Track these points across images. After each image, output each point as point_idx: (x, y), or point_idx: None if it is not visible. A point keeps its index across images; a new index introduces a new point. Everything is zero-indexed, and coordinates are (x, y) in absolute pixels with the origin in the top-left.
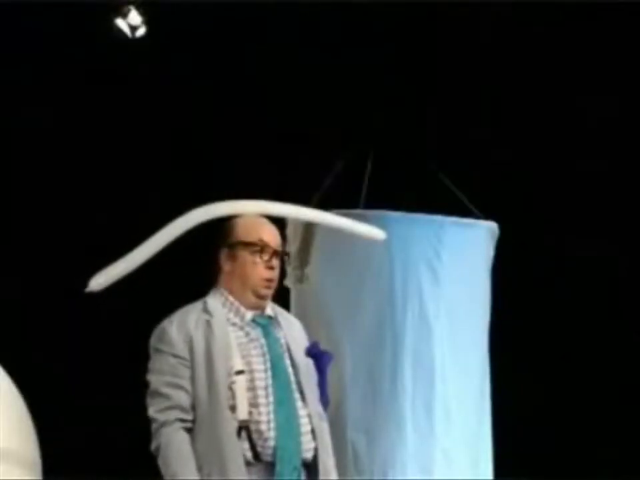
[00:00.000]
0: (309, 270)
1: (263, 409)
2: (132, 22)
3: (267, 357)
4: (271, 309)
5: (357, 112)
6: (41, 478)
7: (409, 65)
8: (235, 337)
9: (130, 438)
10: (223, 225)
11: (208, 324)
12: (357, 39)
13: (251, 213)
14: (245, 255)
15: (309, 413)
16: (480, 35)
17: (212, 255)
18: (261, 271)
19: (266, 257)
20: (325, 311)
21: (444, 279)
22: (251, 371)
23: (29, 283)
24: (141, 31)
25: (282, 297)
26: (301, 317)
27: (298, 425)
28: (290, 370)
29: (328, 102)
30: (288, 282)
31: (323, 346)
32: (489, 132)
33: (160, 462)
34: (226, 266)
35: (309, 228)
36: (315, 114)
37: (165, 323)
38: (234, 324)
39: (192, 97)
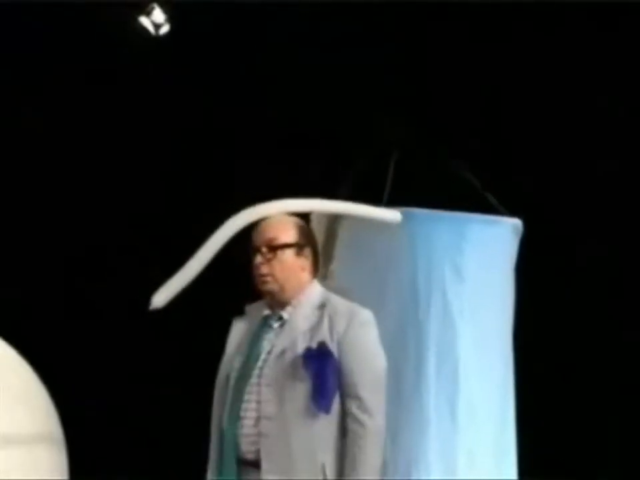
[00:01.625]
0: (333, 266)
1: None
2: (156, 20)
3: (245, 357)
4: (293, 307)
5: (375, 112)
6: (64, 452)
7: (420, 61)
8: (244, 334)
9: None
10: None
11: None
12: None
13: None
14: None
15: (258, 416)
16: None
17: None
18: (256, 269)
19: (257, 255)
20: None
21: (467, 275)
22: (232, 370)
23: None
24: (164, 29)
25: None
26: None
27: (234, 427)
28: (256, 372)
29: (347, 103)
30: None
31: None
32: (511, 129)
33: None
34: None
35: (332, 224)
36: (332, 115)
37: None
38: (254, 323)
39: (199, 98)
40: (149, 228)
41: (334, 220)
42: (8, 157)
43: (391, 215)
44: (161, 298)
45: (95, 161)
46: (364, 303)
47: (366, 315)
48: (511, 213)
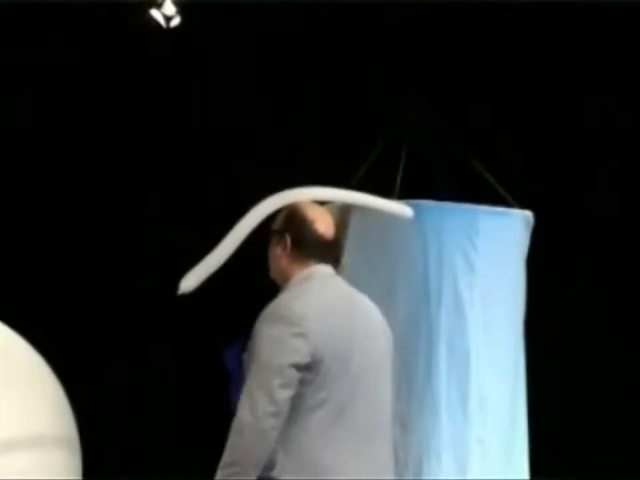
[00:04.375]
0: (343, 259)
1: None
2: (167, 12)
3: None
4: None
5: (382, 103)
6: (79, 453)
7: (421, 59)
8: None
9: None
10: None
11: None
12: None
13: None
14: None
15: None
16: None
17: None
18: None
19: None
20: None
21: (479, 267)
22: None
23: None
24: (175, 21)
25: None
26: None
27: None
28: None
29: (349, 103)
30: None
31: None
32: (521, 121)
33: None
34: None
35: (343, 216)
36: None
37: None
38: None
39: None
40: (151, 225)
41: (345, 212)
42: (20, 151)
43: (402, 209)
44: (189, 283)
45: (100, 159)
46: (374, 294)
47: (274, 310)
48: (522, 205)
